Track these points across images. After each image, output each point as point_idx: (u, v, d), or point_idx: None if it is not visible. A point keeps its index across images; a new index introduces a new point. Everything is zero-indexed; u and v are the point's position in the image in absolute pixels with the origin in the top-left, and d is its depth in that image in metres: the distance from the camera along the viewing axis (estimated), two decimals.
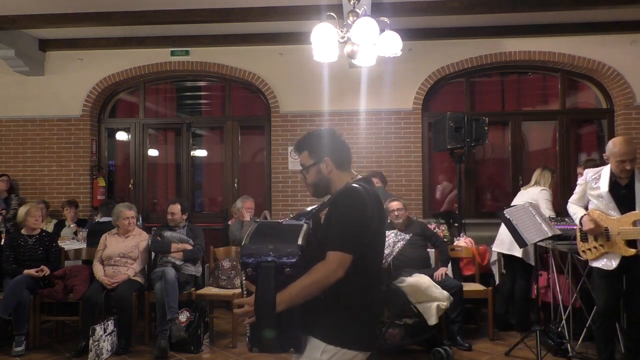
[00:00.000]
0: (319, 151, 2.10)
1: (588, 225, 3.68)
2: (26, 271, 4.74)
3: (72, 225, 6.55)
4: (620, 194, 3.66)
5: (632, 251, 3.56)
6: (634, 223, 3.56)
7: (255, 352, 1.98)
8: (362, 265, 1.94)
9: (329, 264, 1.87)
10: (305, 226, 1.98)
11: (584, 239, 3.82)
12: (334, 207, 2.00)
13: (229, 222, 6.27)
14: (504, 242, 5.12)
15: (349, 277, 1.89)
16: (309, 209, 2.15)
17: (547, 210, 4.94)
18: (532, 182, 5.31)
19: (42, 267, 4.82)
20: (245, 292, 2.00)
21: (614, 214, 3.67)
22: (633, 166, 3.61)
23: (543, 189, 5.16)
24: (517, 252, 4.92)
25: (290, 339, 1.94)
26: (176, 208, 5.08)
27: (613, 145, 3.65)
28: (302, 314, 1.91)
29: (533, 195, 5.10)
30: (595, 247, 3.74)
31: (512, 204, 5.14)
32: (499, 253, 5.41)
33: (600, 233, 3.67)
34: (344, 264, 1.87)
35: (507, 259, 5.26)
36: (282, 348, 1.93)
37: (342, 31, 4.26)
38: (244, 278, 1.98)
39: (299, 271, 1.87)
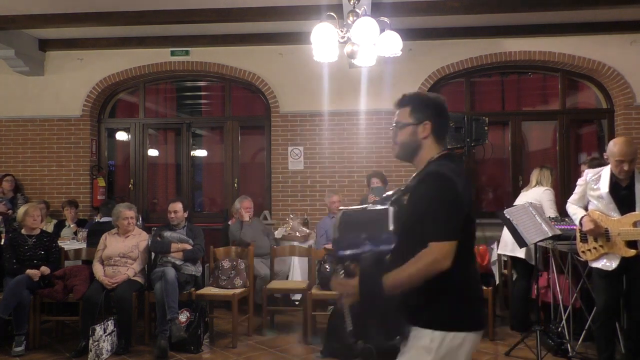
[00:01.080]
0: (423, 112, 1.98)
1: (588, 226, 3.67)
2: (28, 271, 4.73)
3: (72, 226, 6.55)
4: (621, 195, 3.65)
5: (632, 252, 3.56)
6: (635, 224, 3.56)
7: (360, 346, 1.94)
8: (462, 247, 1.85)
9: (434, 253, 1.78)
10: (391, 209, 1.89)
11: (584, 239, 3.82)
12: (421, 191, 1.89)
13: (229, 222, 6.27)
14: (507, 244, 5.10)
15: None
16: (389, 193, 2.05)
17: (551, 211, 4.93)
18: (533, 182, 5.28)
19: (42, 268, 4.81)
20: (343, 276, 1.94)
21: (614, 214, 3.66)
22: (631, 167, 3.60)
23: (547, 189, 5.13)
24: (520, 252, 4.91)
25: (394, 327, 1.87)
26: (178, 206, 5.08)
27: (613, 145, 3.65)
28: (402, 305, 1.86)
29: (536, 196, 5.07)
30: (595, 248, 3.73)
31: (515, 204, 5.12)
32: (501, 254, 5.41)
33: (600, 234, 3.66)
34: (450, 254, 1.79)
35: (513, 260, 5.24)
36: (388, 337, 1.87)
37: (342, 31, 4.26)
38: (341, 273, 1.92)
39: (396, 257, 1.83)
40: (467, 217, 1.91)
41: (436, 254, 1.78)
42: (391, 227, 1.85)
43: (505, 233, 5.06)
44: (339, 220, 1.95)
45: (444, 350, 1.83)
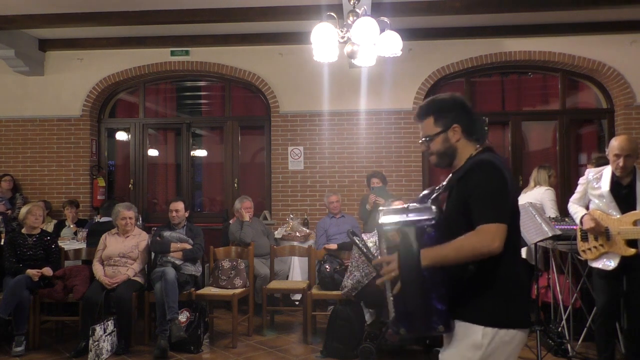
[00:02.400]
0: (448, 117, 1.97)
1: (589, 225, 3.67)
2: (29, 271, 4.73)
3: (71, 226, 6.55)
4: (621, 194, 3.65)
5: (632, 251, 3.55)
6: (635, 222, 3.56)
7: (402, 334, 1.87)
8: (510, 240, 1.82)
9: (484, 233, 1.76)
10: (433, 207, 1.89)
11: (584, 238, 3.82)
12: (468, 183, 1.87)
13: (230, 222, 6.27)
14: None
15: (502, 251, 1.78)
16: (425, 192, 2.05)
17: (552, 211, 4.93)
18: (532, 184, 5.29)
19: (44, 269, 4.80)
20: (386, 250, 1.92)
21: (615, 213, 3.66)
22: (627, 163, 3.58)
23: (548, 189, 5.14)
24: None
25: (437, 314, 1.82)
26: (180, 205, 5.08)
27: (614, 140, 3.66)
28: (451, 299, 1.84)
29: (537, 196, 5.08)
30: (595, 247, 3.73)
31: None
32: None
33: (601, 232, 3.66)
34: (501, 235, 1.76)
35: None
36: (428, 324, 1.83)
37: (342, 31, 4.26)
38: (384, 247, 1.92)
39: (439, 235, 1.82)
40: (513, 209, 1.90)
41: (486, 234, 1.76)
42: (435, 212, 1.86)
43: None
44: (382, 211, 1.95)
45: (494, 346, 1.82)
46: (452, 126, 1.97)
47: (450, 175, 2.02)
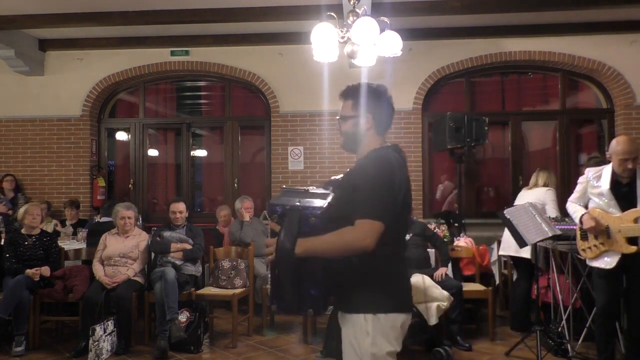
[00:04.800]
0: (365, 105, 2.05)
1: (588, 224, 3.67)
2: (28, 271, 4.73)
3: (69, 227, 6.56)
4: (622, 192, 3.66)
5: (633, 248, 3.55)
6: (636, 220, 3.56)
7: (274, 310, 2.04)
8: (391, 236, 1.90)
9: (357, 230, 1.82)
10: (331, 194, 1.95)
11: (584, 237, 3.82)
12: (360, 173, 1.93)
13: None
14: (510, 245, 5.06)
15: (379, 246, 1.84)
16: (337, 176, 2.10)
17: (554, 211, 4.92)
18: (531, 184, 5.27)
19: (43, 268, 4.80)
20: (270, 235, 2.03)
21: (615, 211, 3.66)
22: (635, 165, 3.61)
23: (549, 189, 5.11)
24: (525, 252, 4.83)
25: (309, 298, 1.92)
26: (182, 206, 5.08)
27: (616, 144, 3.65)
28: (335, 294, 1.97)
29: (539, 196, 5.06)
30: (595, 246, 3.73)
31: (515, 204, 5.10)
32: (501, 255, 5.40)
33: (601, 231, 3.66)
34: (375, 233, 1.81)
35: (515, 260, 5.19)
36: (299, 306, 1.94)
37: (342, 31, 4.26)
38: (268, 230, 2.04)
39: (323, 225, 1.87)
40: (402, 209, 1.95)
41: (359, 232, 1.82)
42: (325, 205, 1.90)
43: (507, 234, 5.03)
44: (281, 193, 2.01)
45: (378, 329, 1.92)
46: (367, 114, 2.05)
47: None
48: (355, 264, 1.90)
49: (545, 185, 5.14)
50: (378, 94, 2.07)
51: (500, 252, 5.31)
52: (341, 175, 2.09)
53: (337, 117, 2.15)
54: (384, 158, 1.95)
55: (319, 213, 1.88)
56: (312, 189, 2.01)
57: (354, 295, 1.96)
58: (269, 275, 2.02)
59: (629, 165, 3.58)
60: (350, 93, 2.11)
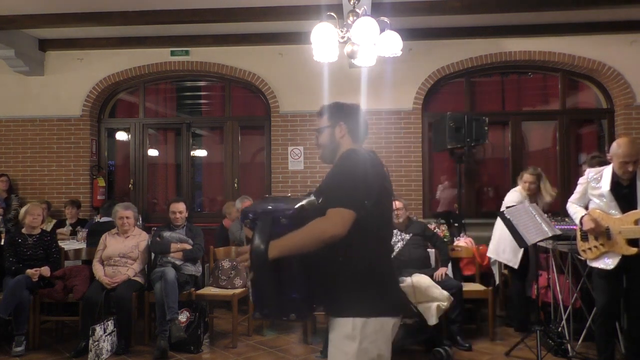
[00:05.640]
0: (337, 116, 2.17)
1: (588, 225, 3.67)
2: (28, 271, 4.73)
3: (68, 226, 6.56)
4: (622, 194, 3.66)
5: (634, 250, 3.55)
6: (636, 222, 3.56)
7: (257, 317, 1.96)
8: (370, 230, 1.91)
9: (327, 218, 1.84)
10: (307, 198, 1.97)
11: (584, 238, 3.82)
12: (331, 171, 2.00)
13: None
14: (492, 249, 5.17)
15: (358, 242, 1.87)
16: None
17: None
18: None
19: (42, 268, 4.79)
20: (245, 242, 2.02)
21: (616, 213, 3.66)
22: (636, 168, 3.61)
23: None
24: (503, 258, 5.08)
25: (290, 303, 1.89)
26: (182, 206, 5.08)
27: (617, 146, 3.65)
28: (321, 297, 1.94)
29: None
30: (595, 247, 3.73)
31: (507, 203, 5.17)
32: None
33: (601, 232, 3.66)
34: (344, 221, 1.82)
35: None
36: (281, 311, 1.91)
37: (342, 31, 4.26)
38: (243, 236, 2.02)
39: (296, 225, 1.86)
40: (379, 203, 1.95)
41: (328, 218, 1.83)
42: (296, 205, 1.90)
43: (497, 237, 5.12)
44: (259, 200, 2.04)
45: (366, 335, 1.90)
46: (339, 123, 2.15)
47: None
48: (340, 263, 1.90)
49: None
50: (350, 106, 2.21)
51: (489, 254, 5.33)
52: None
53: (315, 131, 2.24)
54: (355, 153, 2.00)
55: (290, 213, 1.88)
56: (292, 196, 2.07)
57: (340, 298, 1.94)
58: (248, 283, 1.98)
59: (629, 168, 3.58)
60: (324, 110, 2.22)
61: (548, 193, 5.10)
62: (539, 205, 4.85)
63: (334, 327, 1.96)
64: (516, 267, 4.97)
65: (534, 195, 5.13)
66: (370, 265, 1.93)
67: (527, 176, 5.10)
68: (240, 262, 1.95)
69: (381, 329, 1.93)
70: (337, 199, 1.85)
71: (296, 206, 1.90)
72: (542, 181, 5.12)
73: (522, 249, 4.82)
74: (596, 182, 3.78)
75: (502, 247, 5.05)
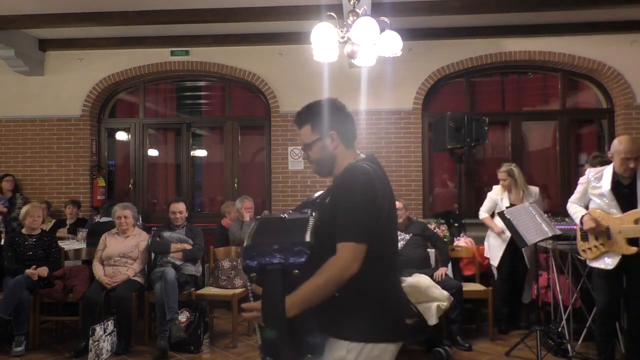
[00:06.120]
0: (324, 125, 1.91)
1: (589, 225, 3.67)
2: (27, 271, 4.73)
3: (67, 226, 6.56)
4: (622, 193, 3.66)
5: (634, 249, 3.55)
6: (636, 221, 3.56)
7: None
8: (378, 253, 1.76)
9: (341, 258, 1.68)
10: (311, 219, 1.75)
11: (585, 238, 3.82)
12: (338, 191, 1.80)
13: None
14: (496, 256, 5.23)
15: (364, 267, 1.71)
16: (315, 195, 1.97)
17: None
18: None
19: (40, 269, 4.78)
20: (252, 297, 1.79)
21: (616, 212, 3.66)
22: (637, 165, 3.60)
23: (536, 187, 5.40)
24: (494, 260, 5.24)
25: (306, 345, 1.77)
26: (182, 207, 5.09)
27: (618, 143, 3.65)
28: (317, 315, 1.76)
29: (532, 193, 5.22)
30: (595, 247, 3.73)
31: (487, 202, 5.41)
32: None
33: (602, 232, 3.66)
34: (358, 257, 1.69)
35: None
36: (298, 356, 1.77)
37: (342, 31, 4.26)
38: (249, 284, 1.79)
39: (309, 271, 1.68)
40: (388, 221, 1.82)
41: (343, 258, 1.69)
42: (307, 239, 1.70)
43: (491, 243, 5.28)
44: (255, 228, 1.81)
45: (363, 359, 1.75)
46: (330, 133, 1.91)
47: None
48: (344, 287, 1.72)
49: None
50: (332, 107, 1.95)
51: (485, 254, 5.41)
52: (319, 193, 1.97)
53: (302, 148, 2.01)
54: (361, 171, 1.79)
55: (302, 262, 1.67)
56: (289, 214, 1.84)
57: (338, 317, 1.77)
58: (257, 332, 1.78)
59: (630, 165, 3.58)
60: (304, 118, 1.97)
61: (520, 189, 5.21)
62: (527, 200, 4.91)
63: (329, 347, 1.81)
64: (495, 264, 5.16)
65: (511, 191, 5.25)
66: (373, 288, 1.78)
67: (499, 174, 5.28)
68: (251, 318, 1.77)
69: (381, 355, 1.77)
70: (349, 233, 1.70)
71: (307, 251, 1.68)
72: (514, 176, 5.21)
73: (504, 248, 5.07)
74: (597, 182, 3.78)
75: (487, 246, 5.32)
